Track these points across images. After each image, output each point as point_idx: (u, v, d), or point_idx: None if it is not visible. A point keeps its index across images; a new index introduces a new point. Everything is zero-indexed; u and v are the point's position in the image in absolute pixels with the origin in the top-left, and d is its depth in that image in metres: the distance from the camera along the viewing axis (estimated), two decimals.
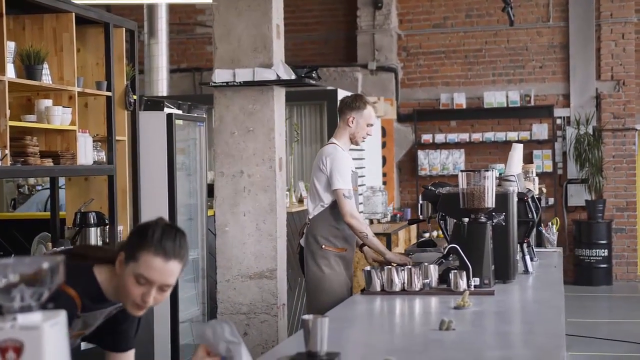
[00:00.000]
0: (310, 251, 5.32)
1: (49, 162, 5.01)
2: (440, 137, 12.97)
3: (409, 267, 4.43)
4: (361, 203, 9.93)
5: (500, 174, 5.63)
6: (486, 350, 3.05)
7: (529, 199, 5.12)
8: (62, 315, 1.82)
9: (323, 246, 5.27)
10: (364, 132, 5.40)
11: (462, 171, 4.53)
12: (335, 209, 5.27)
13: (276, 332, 5.73)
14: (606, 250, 12.32)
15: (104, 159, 5.67)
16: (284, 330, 5.80)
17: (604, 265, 12.34)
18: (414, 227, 11.39)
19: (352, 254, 5.45)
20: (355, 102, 5.40)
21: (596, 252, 12.30)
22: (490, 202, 4.45)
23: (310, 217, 5.39)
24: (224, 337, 2.57)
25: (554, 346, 3.00)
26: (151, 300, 2.59)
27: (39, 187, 8.71)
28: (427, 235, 12.23)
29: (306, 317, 2.78)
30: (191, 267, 6.95)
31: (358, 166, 10.22)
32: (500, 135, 12.75)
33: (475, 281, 4.32)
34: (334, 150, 5.30)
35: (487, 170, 4.49)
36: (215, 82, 5.88)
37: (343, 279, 5.30)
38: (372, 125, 5.43)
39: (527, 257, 5.09)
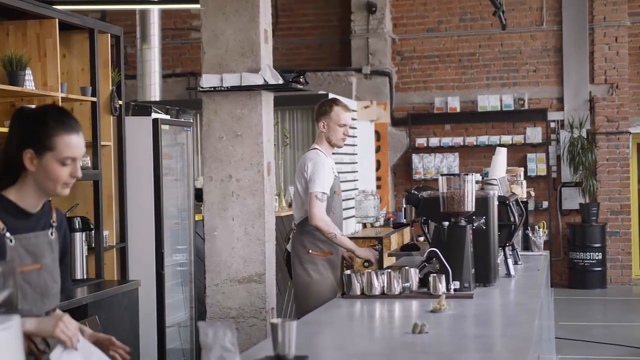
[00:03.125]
0: (297, 256, 5.40)
1: None
2: (434, 141, 12.99)
3: (387, 270, 4.46)
4: (352, 207, 9.96)
5: (484, 178, 5.64)
6: (454, 353, 3.06)
7: (512, 203, 5.13)
8: (15, 320, 1.84)
9: (310, 251, 5.36)
10: (339, 134, 5.46)
11: (442, 175, 4.54)
12: None
13: (265, 336, 5.74)
14: (600, 253, 12.33)
15: (89, 164, 5.68)
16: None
17: (598, 269, 12.35)
18: (407, 230, 11.41)
19: (338, 257, 5.50)
20: (322, 107, 5.51)
21: (590, 255, 12.31)
22: (470, 205, 4.46)
23: (296, 222, 5.48)
24: (222, 342, 2.57)
25: (521, 348, 3.01)
26: (79, 171, 2.75)
27: None
28: (421, 239, 12.24)
29: (274, 321, 2.81)
30: (179, 271, 6.97)
31: (351, 170, 10.27)
32: (495, 139, 12.75)
33: (455, 285, 4.33)
34: (315, 156, 5.40)
35: (467, 174, 4.50)
36: (203, 87, 5.90)
37: (330, 283, 5.35)
38: (345, 125, 5.48)
39: (510, 261, 5.10)
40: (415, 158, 13.02)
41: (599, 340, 8.85)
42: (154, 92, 10.87)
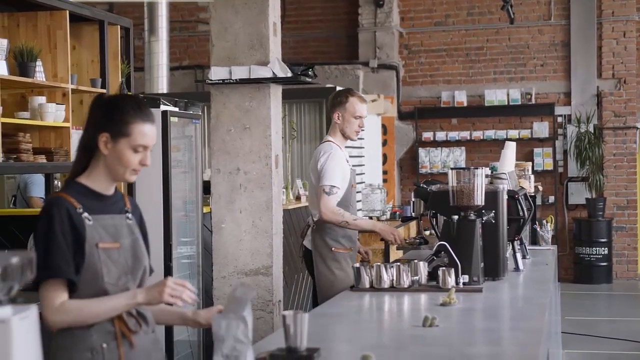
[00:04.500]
0: (319, 254, 5.26)
1: (42, 159, 5.04)
2: (441, 135, 12.98)
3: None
4: (359, 201, 9.95)
5: (492, 172, 5.64)
6: (465, 346, 3.06)
7: (521, 197, 5.13)
8: (32, 310, 1.84)
9: (333, 248, 5.23)
10: (354, 126, 5.30)
11: (452, 169, 4.54)
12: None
13: (272, 329, 5.75)
14: (606, 248, 12.33)
15: None
16: (279, 327, 5.82)
17: (604, 264, 12.35)
18: (414, 224, 11.41)
19: (355, 251, 5.44)
20: (337, 97, 5.35)
21: (596, 250, 12.31)
22: (479, 199, 4.45)
23: (316, 218, 5.30)
24: (234, 334, 2.60)
25: (533, 342, 3.02)
26: (148, 160, 2.87)
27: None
28: (427, 232, 12.23)
29: (286, 313, 2.80)
30: (187, 264, 6.98)
31: (358, 164, 10.27)
32: (501, 134, 12.75)
33: (465, 278, 4.33)
34: (328, 148, 5.26)
35: (477, 168, 4.50)
36: (211, 80, 5.90)
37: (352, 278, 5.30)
38: (360, 117, 5.32)
39: (518, 255, 5.10)
40: (421, 152, 13.02)
41: (605, 335, 8.85)
42: (162, 84, 10.86)
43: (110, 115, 2.82)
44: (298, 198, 8.14)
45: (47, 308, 2.75)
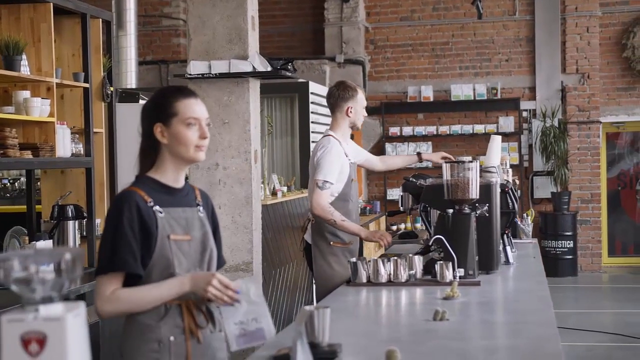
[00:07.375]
0: (318, 248, 5.23)
1: (27, 154, 4.94)
2: (407, 130, 13.02)
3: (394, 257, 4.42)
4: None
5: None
6: (482, 339, 3.06)
7: (510, 190, 5.16)
8: (82, 307, 1.80)
9: (331, 243, 5.21)
10: (361, 116, 5.40)
11: (446, 162, 4.54)
12: (338, 203, 5.17)
13: None
14: (571, 241, 12.47)
15: (82, 151, 5.60)
16: None
17: (569, 257, 12.49)
18: (382, 219, 11.46)
19: (357, 245, 5.41)
20: (348, 92, 5.33)
21: (561, 243, 12.44)
22: (474, 193, 4.47)
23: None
24: (248, 298, 2.62)
25: (550, 335, 3.03)
26: (207, 132, 2.87)
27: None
28: (394, 227, 12.28)
29: (308, 307, 2.77)
30: None
31: None
32: (467, 128, 12.83)
33: (460, 272, 4.34)
34: (327, 143, 5.22)
35: (471, 161, 4.51)
36: (190, 74, 5.84)
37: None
38: (365, 106, 5.44)
39: (508, 248, 5.13)
40: (388, 147, 13.04)
41: (572, 327, 8.95)
42: (130, 79, 10.71)
43: (156, 107, 2.90)
44: (274, 194, 8.10)
45: (98, 297, 2.80)
